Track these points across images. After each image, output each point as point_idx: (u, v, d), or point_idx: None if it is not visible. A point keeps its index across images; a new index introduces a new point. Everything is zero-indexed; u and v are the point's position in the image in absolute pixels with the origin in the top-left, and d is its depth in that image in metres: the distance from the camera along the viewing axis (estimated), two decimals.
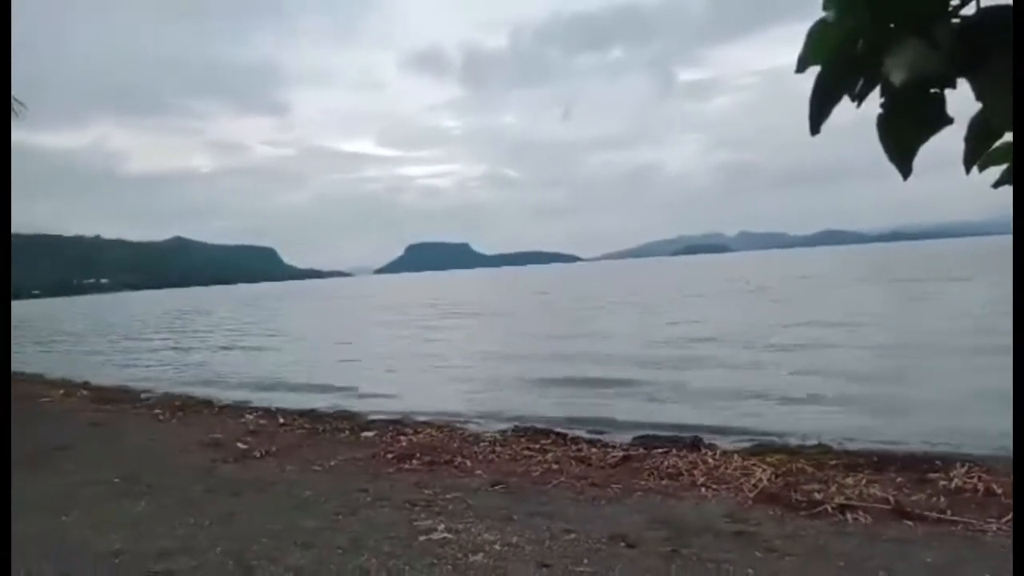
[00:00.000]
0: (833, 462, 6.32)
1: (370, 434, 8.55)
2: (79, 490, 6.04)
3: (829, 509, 4.96)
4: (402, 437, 8.19)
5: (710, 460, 6.51)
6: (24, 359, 22.96)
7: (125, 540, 4.66)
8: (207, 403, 11.78)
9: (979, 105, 0.95)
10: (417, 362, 17.22)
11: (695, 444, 7.41)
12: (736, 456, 6.66)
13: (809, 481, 5.67)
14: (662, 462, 6.54)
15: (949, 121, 1.00)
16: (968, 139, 1.03)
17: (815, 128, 1.04)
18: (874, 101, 1.02)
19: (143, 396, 12.98)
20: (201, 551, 4.40)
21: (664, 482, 5.96)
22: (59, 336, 37.39)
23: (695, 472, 6.13)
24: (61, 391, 13.80)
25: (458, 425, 9.39)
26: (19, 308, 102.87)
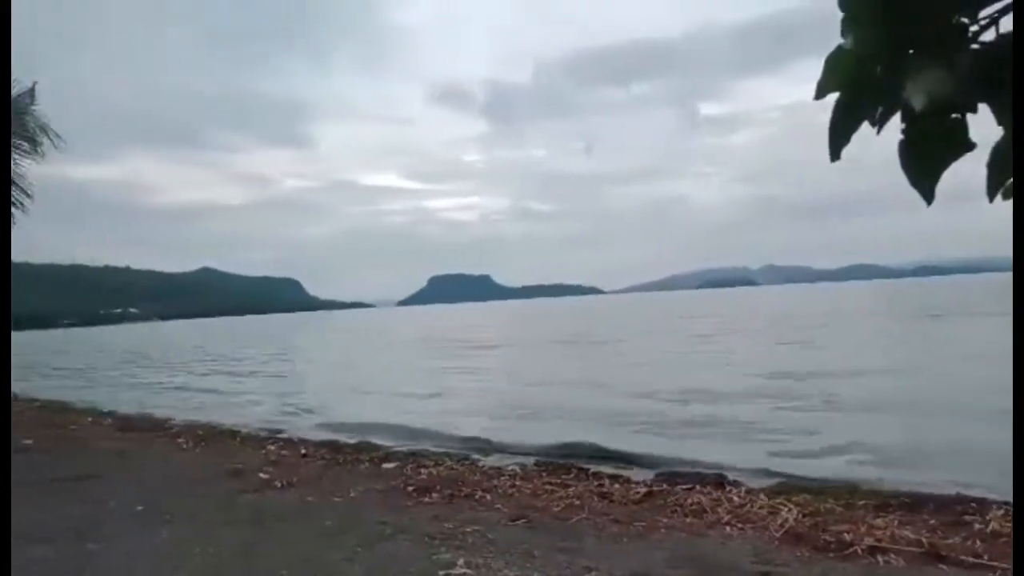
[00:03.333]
0: (862, 502, 6.14)
1: (390, 466, 8.52)
2: (103, 518, 6.07)
3: (859, 551, 4.81)
4: (422, 469, 8.15)
5: (735, 498, 6.38)
6: (53, 387, 23.34)
7: (146, 570, 4.66)
8: (230, 432, 11.84)
9: (1001, 131, 0.94)
10: (437, 394, 17.17)
11: (720, 481, 7.27)
12: (762, 495, 6.52)
13: (838, 521, 5.52)
14: (686, 499, 6.41)
15: (971, 147, 0.99)
16: (991, 166, 1.02)
17: (835, 154, 1.04)
18: (895, 129, 1.02)
19: (167, 425, 13.08)
20: None
21: (688, 519, 5.84)
22: (88, 365, 37.97)
23: (719, 510, 6.00)
24: (89, 419, 13.99)
25: (478, 458, 9.33)
26: (51, 337, 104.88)
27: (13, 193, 8.96)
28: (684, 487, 6.92)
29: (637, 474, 8.12)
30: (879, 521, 5.45)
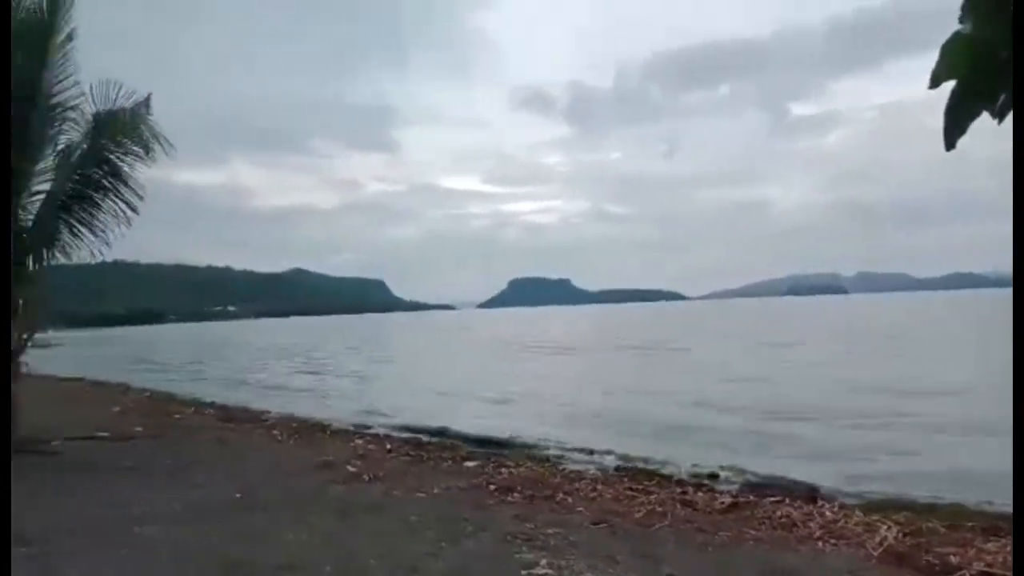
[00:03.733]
0: (970, 524, 5.75)
1: (472, 464, 8.64)
2: (206, 501, 6.44)
3: (968, 575, 4.51)
4: (503, 469, 8.22)
5: (828, 513, 6.11)
6: (160, 379, 24.93)
7: (245, 552, 4.91)
8: (320, 426, 12.31)
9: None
10: (520, 395, 17.26)
11: (811, 495, 6.98)
12: (857, 511, 6.22)
13: (943, 543, 5.19)
14: (774, 511, 6.19)
15: None
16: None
17: (950, 144, 1.00)
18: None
19: (263, 417, 13.72)
20: (314, 567, 4.57)
21: (777, 532, 5.63)
22: (192, 358, 40.32)
23: (811, 524, 5.76)
24: (191, 409, 14.86)
25: (559, 460, 9.33)
26: (158, 332, 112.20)
27: (127, 195, 9.57)
28: (772, 499, 6.68)
29: (722, 484, 7.92)
30: (990, 545, 5.09)
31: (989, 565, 4.63)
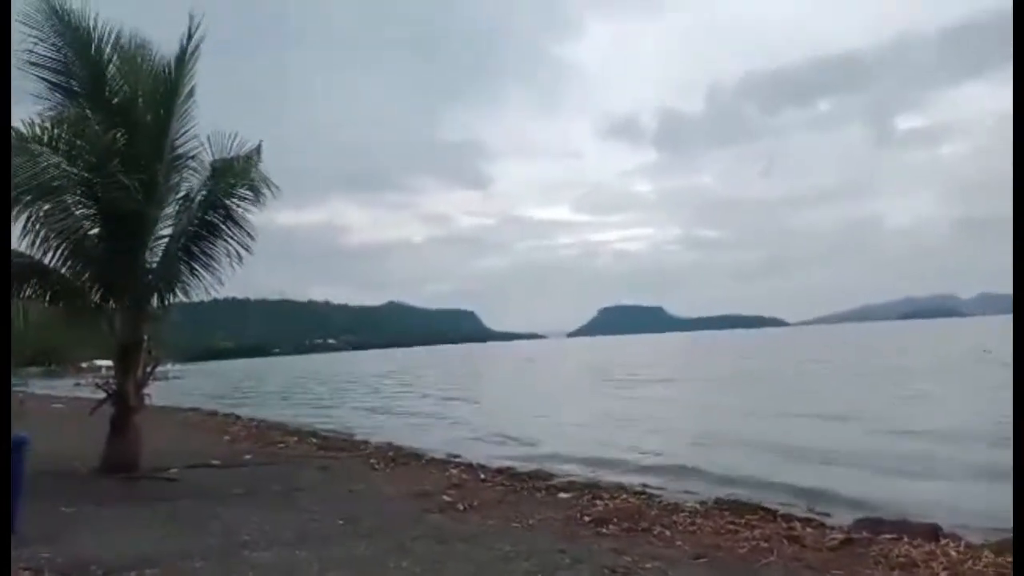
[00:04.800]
0: None
1: (566, 495, 8.56)
2: (311, 527, 6.69)
3: None
4: (598, 501, 8.10)
5: (952, 553, 5.66)
6: (268, 407, 26.17)
7: None
8: (415, 455, 12.56)
9: None
10: (616, 425, 17.01)
11: (932, 532, 6.49)
12: (987, 551, 5.72)
13: None
14: (891, 550, 5.80)
15: None
16: None
17: None
18: None
19: (361, 446, 14.14)
20: None
21: (895, 573, 5.27)
22: (297, 387, 42.15)
23: (934, 564, 5.36)
24: (295, 438, 15.50)
25: (656, 493, 9.11)
26: (263, 363, 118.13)
27: (239, 236, 10.19)
28: (889, 536, 6.26)
29: (832, 519, 7.50)
30: None
31: None
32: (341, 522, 6.89)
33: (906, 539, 6.14)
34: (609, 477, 10.19)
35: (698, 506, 8.02)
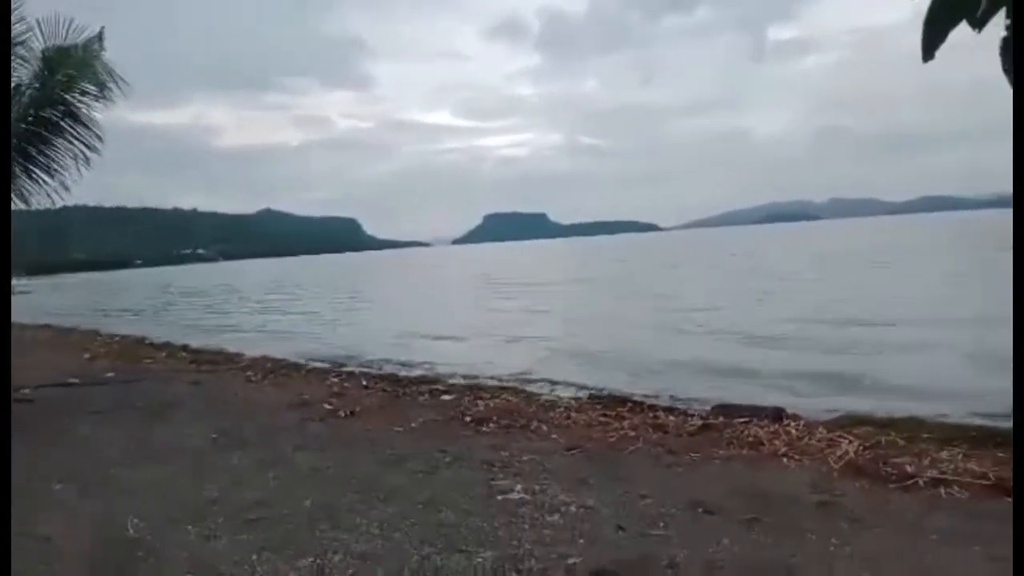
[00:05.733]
0: (926, 436, 6.00)
1: (448, 398, 8.75)
2: (182, 442, 6.47)
3: (921, 483, 4.74)
4: (479, 401, 8.34)
5: (793, 431, 6.33)
6: (130, 324, 24.63)
7: (222, 490, 4.96)
8: (295, 366, 12.32)
9: None
10: (495, 329, 17.40)
11: (777, 415, 7.20)
12: (821, 428, 6.44)
13: (900, 454, 5.43)
14: (743, 432, 6.40)
15: None
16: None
17: (928, 54, 0.96)
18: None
19: (237, 359, 13.68)
20: (292, 502, 4.65)
21: (745, 452, 5.84)
22: (162, 302, 39.80)
23: (777, 442, 5.97)
24: (164, 353, 14.74)
25: (534, 391, 9.49)
26: (123, 276, 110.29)
27: (85, 136, 9.23)
28: (741, 420, 6.89)
29: (693, 408, 8.13)
30: (944, 454, 5.33)
31: (942, 473, 4.87)
32: (215, 435, 6.70)
33: (755, 421, 6.79)
34: (487, 380, 10.44)
35: (573, 402, 8.44)
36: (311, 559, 3.72)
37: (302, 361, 13.12)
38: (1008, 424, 6.56)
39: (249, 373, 11.48)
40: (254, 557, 3.77)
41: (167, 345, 16.43)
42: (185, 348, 15.76)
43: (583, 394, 9.12)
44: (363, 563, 3.67)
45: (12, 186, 9.11)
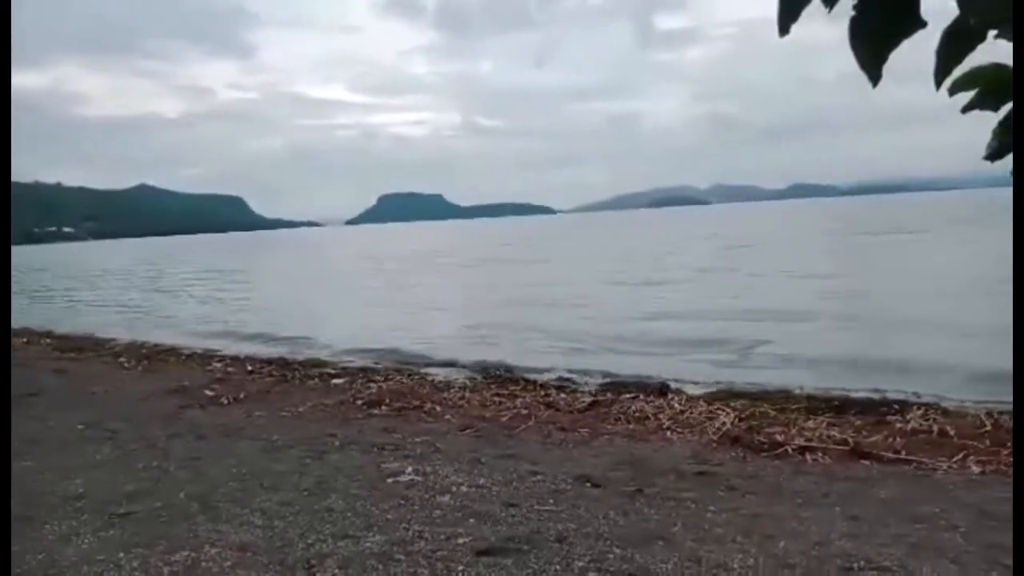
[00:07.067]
0: (795, 407, 6.45)
1: (340, 381, 8.53)
2: (44, 435, 5.94)
3: (790, 450, 5.08)
4: (372, 384, 8.18)
5: (676, 405, 6.63)
6: None
7: (88, 484, 4.60)
8: (173, 351, 11.62)
9: (955, 10, 0.90)
10: (387, 310, 17.14)
11: (663, 390, 7.51)
12: (701, 401, 6.78)
13: (771, 424, 5.80)
14: (629, 407, 6.63)
15: (922, 24, 0.95)
16: (939, 51, 0.98)
17: (784, 29, 0.98)
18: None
19: (108, 344, 12.75)
20: (165, 494, 4.37)
21: (631, 426, 6.05)
22: (20, 287, 36.45)
23: (661, 416, 6.23)
24: (23, 339, 13.49)
25: (428, 372, 9.41)
26: None
27: None
28: (628, 396, 7.14)
29: (583, 385, 8.34)
30: (809, 423, 5.75)
31: (808, 440, 5.25)
32: (81, 426, 6.22)
33: (641, 397, 7.06)
34: (380, 362, 10.27)
35: (467, 382, 8.44)
36: (186, 553, 3.52)
37: (182, 345, 12.40)
38: (865, 392, 7.16)
39: (123, 359, 10.75)
40: (121, 555, 3.51)
41: (26, 331, 15.05)
42: (49, 334, 14.53)
43: (478, 374, 9.14)
44: (243, 554, 3.51)
45: None
